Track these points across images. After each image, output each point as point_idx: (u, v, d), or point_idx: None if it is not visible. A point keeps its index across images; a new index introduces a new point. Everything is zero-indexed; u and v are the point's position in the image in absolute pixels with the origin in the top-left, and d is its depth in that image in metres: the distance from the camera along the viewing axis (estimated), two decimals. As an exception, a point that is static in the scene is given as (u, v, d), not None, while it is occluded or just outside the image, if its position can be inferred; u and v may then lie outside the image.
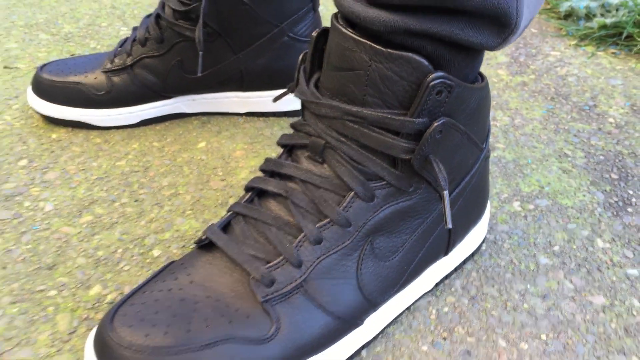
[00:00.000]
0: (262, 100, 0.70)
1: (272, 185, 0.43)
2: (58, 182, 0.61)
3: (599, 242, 0.54)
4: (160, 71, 0.67)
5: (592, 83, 0.79)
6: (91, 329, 0.46)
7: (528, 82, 0.79)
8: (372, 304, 0.43)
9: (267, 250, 0.41)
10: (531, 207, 0.58)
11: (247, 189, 0.45)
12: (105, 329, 0.39)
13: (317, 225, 0.41)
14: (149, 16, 0.69)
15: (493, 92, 0.77)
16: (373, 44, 0.38)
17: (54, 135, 0.68)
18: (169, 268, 0.44)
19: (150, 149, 0.66)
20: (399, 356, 0.44)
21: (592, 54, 0.85)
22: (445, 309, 0.47)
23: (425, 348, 0.44)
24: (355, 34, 0.39)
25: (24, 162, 0.64)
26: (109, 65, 0.68)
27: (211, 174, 0.63)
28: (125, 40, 0.70)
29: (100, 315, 0.47)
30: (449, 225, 0.39)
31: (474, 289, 0.49)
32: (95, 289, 0.50)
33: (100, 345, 0.39)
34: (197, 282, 0.42)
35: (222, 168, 0.63)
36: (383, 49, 0.38)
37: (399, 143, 0.39)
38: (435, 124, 0.38)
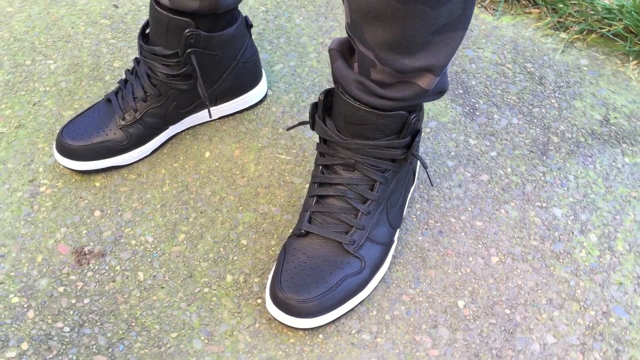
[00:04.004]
0: (229, 107, 0.98)
1: (332, 191, 0.77)
2: (137, 219, 0.88)
3: (471, 141, 0.96)
4: (162, 115, 0.92)
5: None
6: (247, 300, 0.79)
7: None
8: (395, 230, 0.81)
9: (343, 227, 0.77)
10: (428, 129, 0.97)
11: (311, 195, 0.78)
12: (281, 296, 0.73)
13: (366, 205, 0.76)
14: (131, 72, 0.91)
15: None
16: (377, 111, 0.71)
17: (97, 184, 0.92)
18: (287, 252, 0.77)
19: (175, 170, 0.93)
20: (411, 246, 0.83)
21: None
22: (419, 212, 0.87)
23: (420, 238, 0.84)
24: (363, 106, 0.72)
25: (98, 213, 0.88)
26: (122, 122, 0.90)
27: (232, 175, 0.92)
28: (117, 92, 0.92)
29: (245, 291, 0.80)
30: (432, 185, 0.77)
31: (425, 194, 0.89)
32: (229, 278, 0.81)
33: (285, 306, 0.73)
34: (310, 255, 0.76)
35: (235, 168, 0.93)
36: (383, 113, 0.71)
37: (397, 152, 0.75)
38: (417, 139, 0.74)
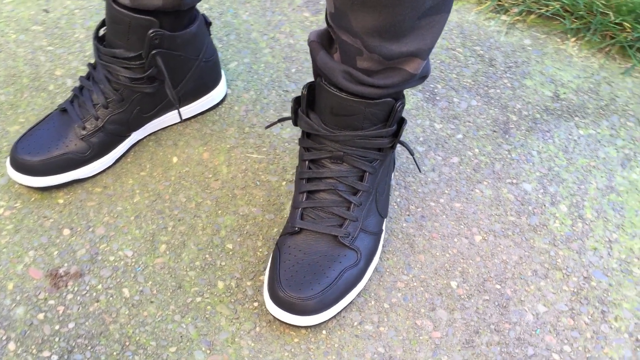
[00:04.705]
0: (191, 109, 0.94)
1: (322, 185, 0.76)
2: (112, 234, 0.83)
3: (436, 125, 0.97)
4: (125, 121, 0.87)
5: None
6: (243, 305, 0.77)
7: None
8: (383, 218, 0.81)
9: (336, 220, 0.76)
10: (393, 117, 0.98)
11: (301, 192, 0.77)
12: (282, 296, 0.72)
13: (357, 196, 0.76)
14: (87, 78, 0.86)
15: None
16: (365, 100, 0.71)
17: (60, 201, 0.86)
18: (282, 251, 0.76)
19: (143, 179, 0.89)
20: (397, 234, 0.84)
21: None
22: (399, 199, 0.88)
23: (404, 224, 0.85)
24: (350, 97, 0.71)
25: (67, 232, 0.83)
26: (83, 132, 0.85)
27: (204, 179, 0.89)
28: (72, 100, 0.86)
29: (239, 296, 0.78)
30: (421, 171, 0.78)
31: (402, 181, 0.90)
32: (220, 284, 0.79)
33: (288, 305, 0.72)
34: (306, 252, 0.75)
35: (207, 171, 0.90)
36: (371, 101, 0.71)
37: (385, 141, 0.75)
38: (403, 125, 0.75)
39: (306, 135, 0.78)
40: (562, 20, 1.12)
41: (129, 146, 0.91)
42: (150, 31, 0.80)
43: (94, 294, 0.77)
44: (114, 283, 0.78)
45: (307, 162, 0.78)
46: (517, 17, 1.14)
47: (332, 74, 0.71)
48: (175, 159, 0.91)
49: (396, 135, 0.76)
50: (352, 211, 0.76)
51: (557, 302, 0.79)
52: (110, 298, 0.77)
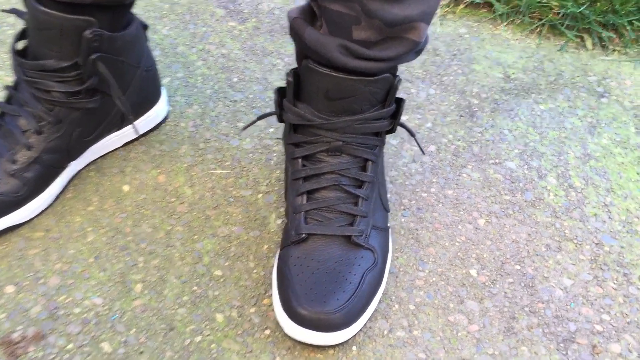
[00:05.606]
0: (132, 129, 0.81)
1: (323, 182, 0.67)
2: (70, 282, 0.68)
3: (403, 117, 0.91)
4: (63, 147, 0.73)
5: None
6: (253, 335, 0.65)
7: (255, 24, 1.05)
8: (387, 212, 0.73)
9: (345, 218, 0.67)
10: (356, 115, 0.91)
11: (299, 194, 0.67)
12: (305, 313, 0.61)
13: (363, 189, 0.68)
14: (8, 102, 0.71)
15: (255, 40, 1.01)
16: (365, 78, 0.64)
17: (-7, 254, 0.69)
18: (291, 264, 0.65)
19: (93, 214, 0.74)
20: (399, 230, 0.76)
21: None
22: (389, 195, 0.80)
23: (402, 219, 0.78)
24: (348, 76, 0.63)
25: (11, 289, 0.66)
26: (14, 167, 0.70)
27: (167, 204, 0.76)
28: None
29: (246, 326, 0.65)
30: (424, 153, 0.71)
31: (386, 177, 0.82)
32: (219, 317, 0.66)
33: (314, 323, 0.61)
34: (319, 260, 0.65)
35: (168, 195, 0.77)
36: (371, 79, 0.64)
37: (384, 123, 0.68)
38: (402, 104, 0.68)
39: (293, 130, 0.68)
40: (489, 7, 1.12)
41: (67, 180, 0.76)
42: (88, 31, 0.67)
43: (66, 355, 0.61)
44: (88, 338, 0.63)
45: (299, 159, 0.68)
46: (447, 9, 1.12)
47: (325, 50, 0.63)
48: (126, 187, 0.78)
49: (395, 117, 0.69)
50: (360, 206, 0.67)
51: (580, 273, 0.74)
52: (88, 357, 0.62)
